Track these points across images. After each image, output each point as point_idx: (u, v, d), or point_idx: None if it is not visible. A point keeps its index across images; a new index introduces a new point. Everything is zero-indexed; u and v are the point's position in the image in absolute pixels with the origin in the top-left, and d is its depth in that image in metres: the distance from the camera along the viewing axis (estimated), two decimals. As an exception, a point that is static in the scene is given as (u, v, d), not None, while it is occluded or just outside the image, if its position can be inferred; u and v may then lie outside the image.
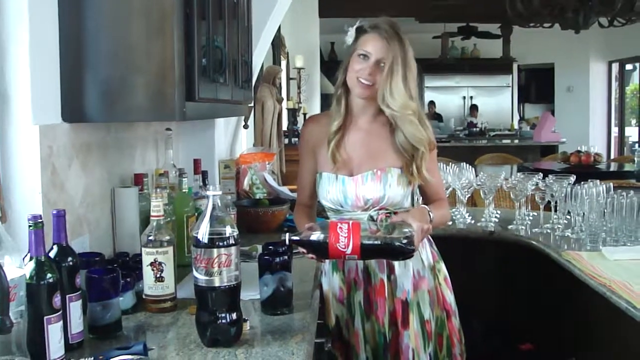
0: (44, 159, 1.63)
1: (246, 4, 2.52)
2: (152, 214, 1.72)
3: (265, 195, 3.24)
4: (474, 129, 11.84)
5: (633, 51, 10.80)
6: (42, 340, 1.30)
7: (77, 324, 1.43)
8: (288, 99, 7.62)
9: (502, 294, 3.11)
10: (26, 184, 1.61)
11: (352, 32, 2.07)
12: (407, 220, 1.86)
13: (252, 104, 3.83)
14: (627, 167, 7.00)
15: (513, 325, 3.02)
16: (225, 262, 1.44)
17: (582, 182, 2.71)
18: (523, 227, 2.96)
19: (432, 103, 12.68)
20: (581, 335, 2.57)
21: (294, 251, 1.84)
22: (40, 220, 1.31)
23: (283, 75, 7.03)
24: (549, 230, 2.86)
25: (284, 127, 6.61)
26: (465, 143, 10.45)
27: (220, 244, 1.44)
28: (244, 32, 2.45)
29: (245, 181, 3.27)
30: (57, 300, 1.33)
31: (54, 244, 1.43)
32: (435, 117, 12.31)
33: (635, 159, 6.54)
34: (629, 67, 12.21)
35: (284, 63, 7.73)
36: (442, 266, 2.20)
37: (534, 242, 2.76)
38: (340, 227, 1.76)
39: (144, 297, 1.72)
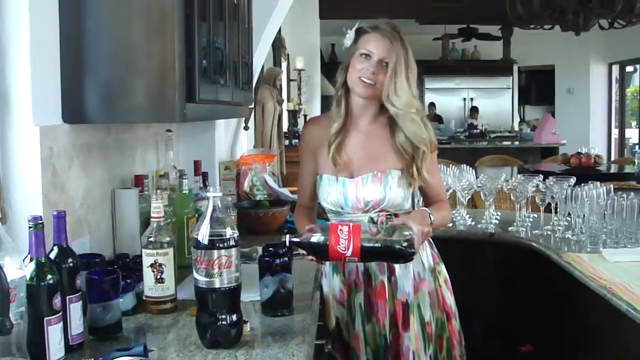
0: (45, 160, 1.63)
1: (247, 5, 2.52)
2: (152, 215, 1.72)
3: (266, 196, 3.24)
4: (474, 131, 11.83)
5: (633, 53, 10.81)
6: (42, 342, 1.30)
7: (77, 325, 1.43)
8: (288, 101, 7.62)
9: (502, 295, 3.11)
10: (26, 185, 1.61)
11: (350, 35, 2.08)
12: (408, 223, 1.86)
13: (252, 106, 3.83)
14: (628, 169, 6.99)
15: (513, 327, 3.01)
16: (225, 264, 1.44)
17: (583, 184, 2.71)
18: (523, 229, 2.96)
19: (432, 105, 12.69)
20: (581, 337, 2.57)
21: (294, 253, 1.84)
22: (40, 222, 1.31)
23: (283, 76, 7.03)
24: (549, 232, 2.86)
25: (285, 128, 6.61)
26: (466, 145, 10.45)
27: (221, 245, 1.44)
28: (244, 33, 2.45)
29: (246, 183, 3.27)
30: (57, 301, 1.33)
31: (54, 245, 1.42)
32: (436, 118, 12.31)
33: (636, 160, 6.53)
34: (629, 69, 12.23)
35: (284, 64, 7.73)
36: (443, 268, 2.19)
37: (534, 244, 2.76)
38: (340, 229, 1.76)
39: (144, 298, 1.72)
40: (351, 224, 1.79)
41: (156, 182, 2.16)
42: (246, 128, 4.05)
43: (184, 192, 2.25)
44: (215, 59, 1.93)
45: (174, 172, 2.34)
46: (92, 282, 1.53)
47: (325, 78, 9.28)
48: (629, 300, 1.92)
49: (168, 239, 1.71)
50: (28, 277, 1.28)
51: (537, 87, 13.66)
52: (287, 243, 1.78)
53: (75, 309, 1.42)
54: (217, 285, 1.44)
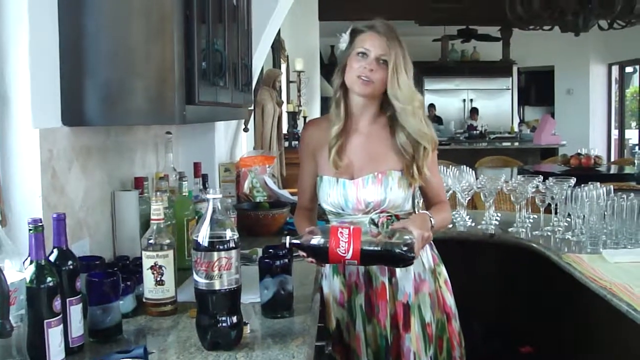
0: (44, 163, 1.63)
1: (246, 7, 2.53)
2: (152, 217, 1.72)
3: (266, 198, 3.24)
4: (474, 132, 11.83)
5: (633, 53, 10.81)
6: (42, 344, 1.30)
7: (77, 327, 1.43)
8: (288, 102, 7.62)
9: (502, 296, 3.11)
10: (26, 187, 1.61)
11: (345, 38, 2.09)
12: (409, 228, 1.85)
13: (252, 107, 3.83)
14: (627, 170, 6.99)
15: (513, 328, 3.01)
16: (225, 266, 1.44)
17: (583, 185, 2.71)
18: (523, 230, 2.96)
19: (432, 106, 12.68)
20: (581, 338, 2.57)
21: (294, 254, 1.84)
22: (40, 224, 1.31)
23: (283, 78, 7.03)
24: (549, 233, 2.86)
25: (284, 130, 6.61)
26: (466, 146, 10.45)
27: (221, 247, 1.44)
28: (243, 35, 2.45)
29: (246, 184, 3.27)
30: (57, 304, 1.33)
31: (54, 247, 1.43)
32: (436, 119, 12.30)
33: (636, 161, 6.53)
34: (629, 69, 12.22)
35: (284, 66, 7.74)
36: (443, 269, 2.19)
37: (534, 245, 2.76)
38: (340, 232, 1.76)
39: (144, 300, 1.72)
40: (352, 227, 1.79)
41: (156, 184, 2.16)
42: (246, 130, 4.05)
43: (184, 194, 2.25)
44: (214, 60, 1.93)
45: (174, 174, 2.34)
46: (92, 284, 1.53)
47: (325, 79, 9.29)
48: (629, 301, 1.92)
49: (168, 241, 1.71)
50: (28, 280, 1.28)
51: (537, 88, 13.66)
52: (287, 245, 1.78)
53: (76, 312, 1.42)
54: (217, 287, 1.44)
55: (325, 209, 2.16)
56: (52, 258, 1.39)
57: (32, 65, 1.58)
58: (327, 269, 2.13)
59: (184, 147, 3.01)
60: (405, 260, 1.79)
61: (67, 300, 1.40)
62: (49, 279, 1.31)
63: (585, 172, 6.16)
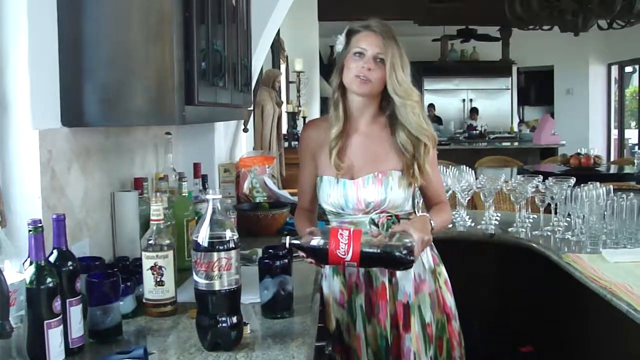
0: (44, 164, 1.63)
1: (245, 7, 2.52)
2: (152, 218, 1.72)
3: (265, 198, 3.24)
4: (474, 132, 11.83)
5: (632, 53, 10.81)
6: (42, 345, 1.30)
7: (77, 328, 1.43)
8: (288, 103, 7.62)
9: (502, 296, 3.10)
10: (26, 188, 1.61)
11: (341, 39, 2.10)
12: (409, 231, 1.86)
13: (251, 108, 3.83)
14: (627, 170, 7.00)
15: (513, 328, 3.01)
16: (225, 266, 1.44)
17: (582, 185, 2.71)
18: (523, 230, 2.96)
19: (431, 106, 12.67)
20: (581, 338, 2.57)
21: (294, 255, 1.84)
22: (40, 225, 1.31)
23: (282, 78, 7.03)
24: (549, 233, 2.86)
25: (284, 130, 6.61)
26: (465, 146, 10.45)
27: (221, 247, 1.44)
28: (243, 35, 2.45)
29: (245, 185, 3.27)
30: (57, 304, 1.33)
31: (53, 248, 1.43)
32: (435, 119, 12.28)
33: (635, 161, 6.54)
34: (628, 69, 12.21)
35: (283, 66, 7.74)
36: (443, 269, 2.19)
37: (534, 245, 2.76)
38: (340, 234, 1.76)
39: (144, 301, 1.72)
40: (352, 229, 1.79)
41: (156, 185, 2.16)
42: (245, 130, 4.05)
43: (184, 194, 2.25)
44: (214, 61, 1.93)
45: (174, 174, 2.34)
46: (92, 285, 1.53)
47: (324, 80, 9.28)
48: (629, 300, 1.92)
49: (168, 241, 1.71)
50: (28, 281, 1.28)
51: (536, 88, 13.65)
52: (287, 245, 1.78)
53: (75, 312, 1.42)
54: (217, 288, 1.44)
55: (326, 209, 2.16)
56: (51, 259, 1.39)
57: (32, 66, 1.58)
58: (327, 269, 2.13)
59: (183, 148, 3.00)
60: (405, 263, 1.79)
61: (67, 301, 1.40)
62: (49, 279, 1.31)
63: (585, 172, 6.17)
